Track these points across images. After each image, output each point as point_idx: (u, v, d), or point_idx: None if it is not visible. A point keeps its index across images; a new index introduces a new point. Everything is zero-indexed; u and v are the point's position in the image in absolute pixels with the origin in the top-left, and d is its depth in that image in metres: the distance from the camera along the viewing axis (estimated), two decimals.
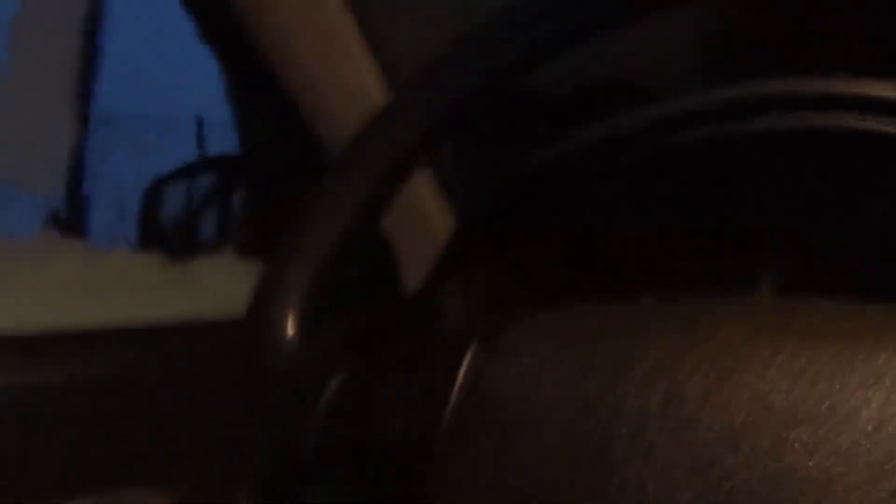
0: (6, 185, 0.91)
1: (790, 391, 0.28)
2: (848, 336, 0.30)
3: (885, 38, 0.60)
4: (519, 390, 0.33)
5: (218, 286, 0.83)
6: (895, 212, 0.62)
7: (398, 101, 0.45)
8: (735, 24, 0.67)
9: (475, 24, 0.43)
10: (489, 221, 0.64)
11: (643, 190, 0.65)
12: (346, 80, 0.76)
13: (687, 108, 0.58)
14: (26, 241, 0.88)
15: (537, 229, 0.66)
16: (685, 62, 0.69)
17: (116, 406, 0.71)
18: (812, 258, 0.65)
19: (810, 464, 0.27)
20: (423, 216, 0.76)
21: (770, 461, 0.27)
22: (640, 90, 0.61)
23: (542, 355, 0.33)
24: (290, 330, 0.41)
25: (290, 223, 0.44)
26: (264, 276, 0.43)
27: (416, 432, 0.35)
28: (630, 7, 0.41)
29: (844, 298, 0.32)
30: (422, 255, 0.74)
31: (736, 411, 0.28)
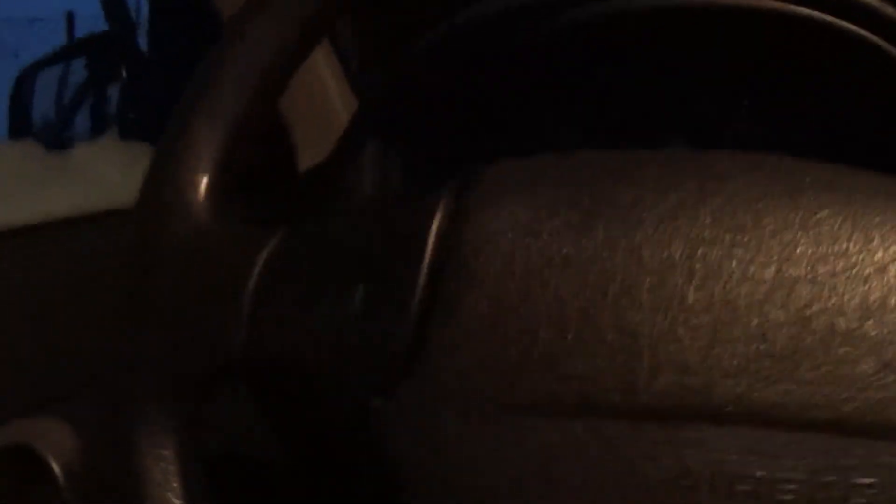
0: None
1: (817, 245, 0.27)
2: (861, 193, 0.29)
3: None
4: (512, 243, 0.28)
5: (100, 175, 0.75)
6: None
7: None
8: None
9: None
10: (390, 100, 0.59)
11: (547, 63, 0.61)
12: None
13: None
14: None
15: (442, 106, 0.61)
16: None
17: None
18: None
19: (846, 319, 0.26)
20: (324, 98, 0.72)
21: (809, 316, 0.26)
22: None
23: (534, 203, 0.29)
24: (202, 195, 0.33)
25: (190, 82, 0.36)
26: (167, 136, 0.35)
27: (382, 311, 0.29)
28: None
29: None
30: (324, 138, 0.68)
31: (766, 264, 0.27)
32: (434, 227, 0.29)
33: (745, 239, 0.27)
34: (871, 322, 0.26)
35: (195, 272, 0.33)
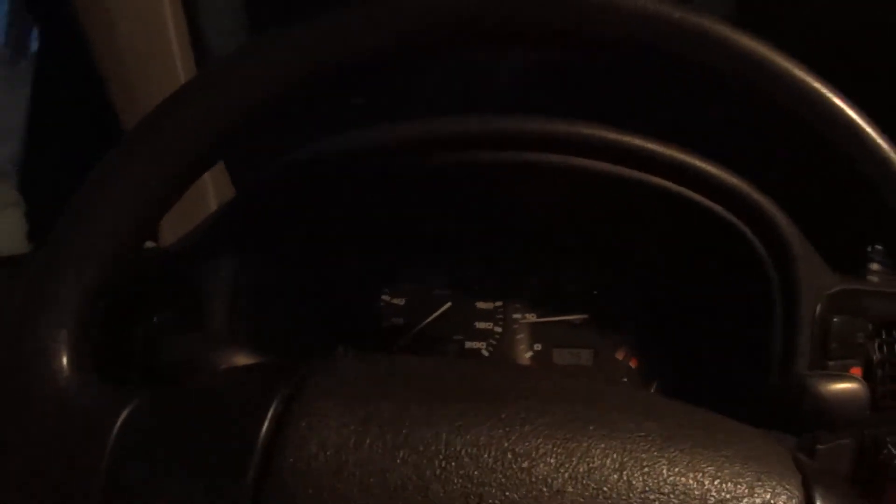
0: None
1: (581, 491, 0.32)
2: (637, 439, 0.34)
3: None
4: (324, 466, 0.32)
5: None
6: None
7: (194, 90, 0.38)
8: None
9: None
10: (262, 202, 0.60)
11: (406, 194, 0.66)
12: (154, 48, 0.70)
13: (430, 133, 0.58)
14: None
15: (306, 217, 0.65)
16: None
17: None
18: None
19: None
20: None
21: None
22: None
23: (346, 432, 0.33)
24: (64, 357, 0.35)
25: (59, 222, 0.37)
26: (27, 289, 0.36)
27: (215, 498, 0.32)
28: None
29: None
30: (187, 214, 0.69)
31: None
32: (259, 442, 0.32)
33: (514, 484, 0.32)
34: None
35: (54, 436, 0.34)
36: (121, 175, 0.37)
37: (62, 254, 0.36)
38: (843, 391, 0.42)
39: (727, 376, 0.64)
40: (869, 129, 0.37)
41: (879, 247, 0.64)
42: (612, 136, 0.57)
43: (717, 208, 0.58)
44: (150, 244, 0.74)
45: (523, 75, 0.68)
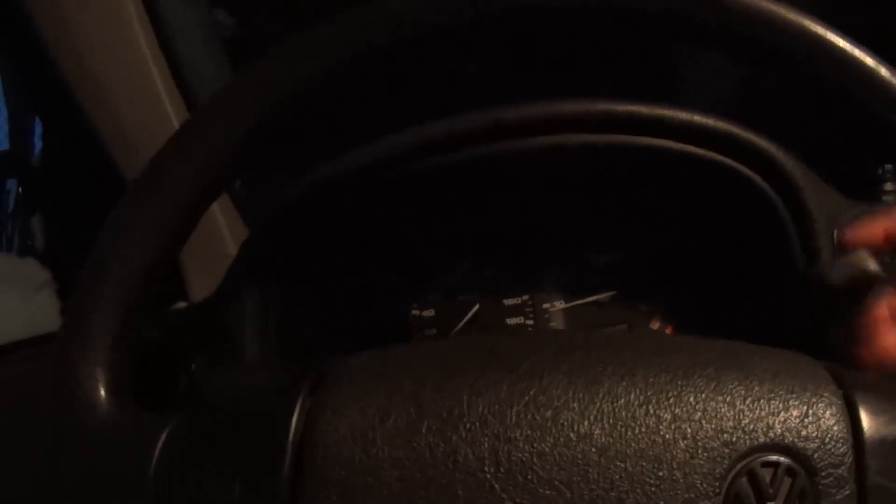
0: None
1: (610, 431, 0.32)
2: (658, 372, 0.34)
3: None
4: (353, 447, 0.33)
5: None
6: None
7: (193, 127, 0.41)
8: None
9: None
10: (277, 234, 0.62)
11: (418, 204, 0.67)
12: (145, 104, 0.74)
13: (455, 129, 0.60)
14: None
15: (323, 242, 0.66)
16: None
17: None
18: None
19: (636, 494, 0.32)
20: (213, 229, 0.75)
21: (601, 493, 0.32)
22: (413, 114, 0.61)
23: (370, 411, 0.34)
24: (102, 390, 0.38)
25: (88, 265, 0.40)
26: (63, 336, 0.39)
27: (255, 494, 0.34)
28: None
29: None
30: (211, 268, 0.71)
31: (564, 451, 0.32)
32: (290, 436, 0.34)
33: (541, 435, 0.32)
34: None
35: (100, 462, 0.37)
36: (131, 217, 0.40)
37: (89, 301, 0.39)
38: None
39: (762, 324, 0.63)
40: (858, 53, 0.38)
41: (890, 166, 0.63)
42: (603, 106, 0.58)
43: (718, 157, 0.58)
44: (181, 304, 0.76)
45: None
